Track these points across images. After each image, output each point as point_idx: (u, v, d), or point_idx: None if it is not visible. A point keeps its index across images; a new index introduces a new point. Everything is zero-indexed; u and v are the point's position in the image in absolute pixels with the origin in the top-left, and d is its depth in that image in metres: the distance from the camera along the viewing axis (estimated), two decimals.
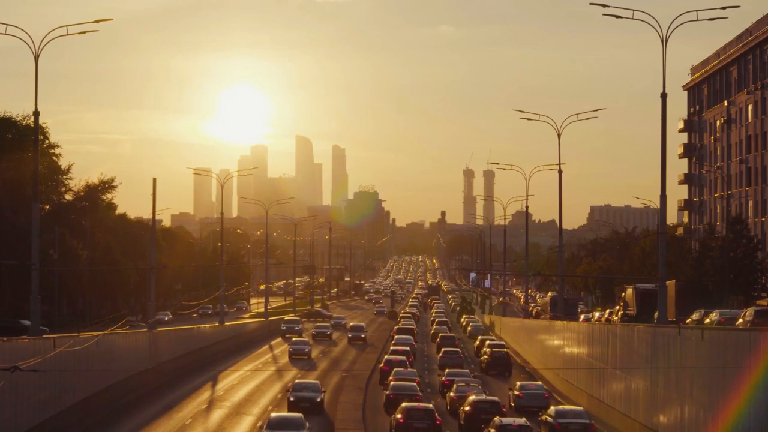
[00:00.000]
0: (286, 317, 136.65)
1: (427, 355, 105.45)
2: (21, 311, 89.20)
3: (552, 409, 55.25)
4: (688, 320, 58.90)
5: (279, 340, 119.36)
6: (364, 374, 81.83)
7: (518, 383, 67.43)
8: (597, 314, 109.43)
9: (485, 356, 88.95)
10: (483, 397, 57.25)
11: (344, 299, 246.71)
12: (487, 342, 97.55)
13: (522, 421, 50.13)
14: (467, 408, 55.30)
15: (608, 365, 58.77)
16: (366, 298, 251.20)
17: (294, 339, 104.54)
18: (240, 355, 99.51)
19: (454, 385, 63.49)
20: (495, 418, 50.04)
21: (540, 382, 74.12)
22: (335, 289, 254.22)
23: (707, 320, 56.12)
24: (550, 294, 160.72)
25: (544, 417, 54.67)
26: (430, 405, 55.57)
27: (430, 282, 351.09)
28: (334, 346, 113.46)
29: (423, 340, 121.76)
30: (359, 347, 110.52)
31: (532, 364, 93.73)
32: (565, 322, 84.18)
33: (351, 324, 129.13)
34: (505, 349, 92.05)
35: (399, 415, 52.12)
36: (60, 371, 49.84)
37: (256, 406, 64.20)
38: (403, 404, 53.53)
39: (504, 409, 55.27)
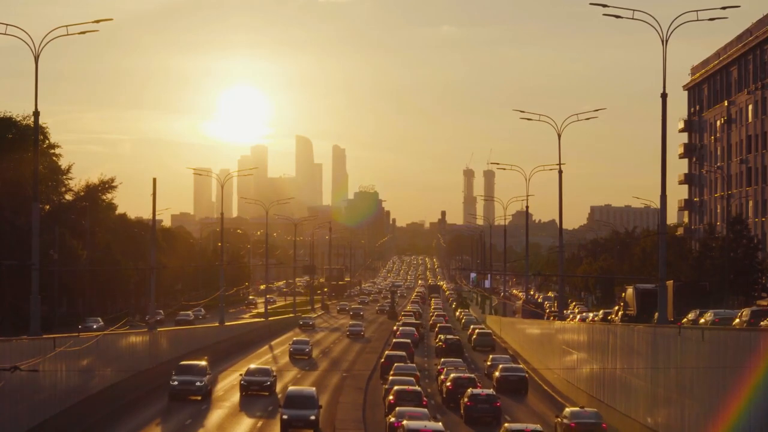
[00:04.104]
0: (184, 361, 71.40)
1: (428, 346, 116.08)
2: (21, 311, 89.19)
3: (500, 367, 75.89)
4: (684, 320, 58.84)
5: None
6: (364, 374, 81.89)
7: (491, 356, 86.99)
8: (591, 315, 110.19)
9: (439, 342, 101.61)
10: (461, 374, 68.65)
11: (343, 301, 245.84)
12: (477, 330, 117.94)
13: (489, 391, 61.67)
14: (448, 384, 66.33)
15: (608, 365, 58.76)
16: (338, 308, 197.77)
17: None
18: (240, 355, 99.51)
19: (445, 369, 73.73)
20: (468, 390, 60.86)
21: (508, 356, 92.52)
22: (325, 289, 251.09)
23: (702, 320, 56.03)
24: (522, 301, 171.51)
25: (495, 374, 74.91)
26: (418, 388, 60.87)
27: (430, 282, 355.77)
28: (272, 417, 59.33)
29: (424, 334, 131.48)
30: None
31: (514, 348, 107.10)
32: (526, 319, 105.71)
33: (290, 389, 58.56)
34: (461, 339, 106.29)
35: (391, 397, 58.22)
36: (60, 371, 49.85)
37: (257, 407, 64.18)
38: (395, 387, 59.40)
39: (479, 384, 65.50)
